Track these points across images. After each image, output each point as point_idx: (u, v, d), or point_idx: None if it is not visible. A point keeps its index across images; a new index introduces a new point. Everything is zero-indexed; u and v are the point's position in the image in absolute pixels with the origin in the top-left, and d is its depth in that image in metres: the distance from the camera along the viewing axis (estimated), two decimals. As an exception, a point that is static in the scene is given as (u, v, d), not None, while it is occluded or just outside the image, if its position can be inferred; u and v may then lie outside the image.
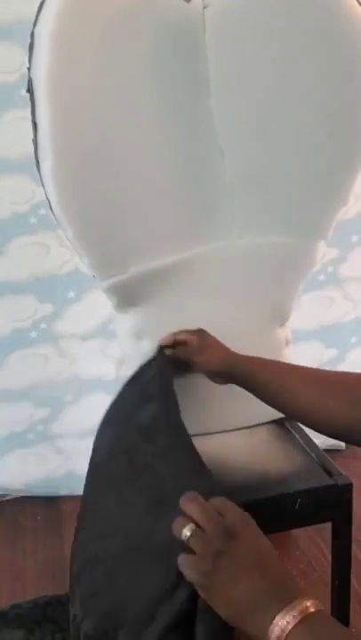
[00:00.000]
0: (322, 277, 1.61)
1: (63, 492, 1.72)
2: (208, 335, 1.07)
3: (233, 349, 1.08)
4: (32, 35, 1.03)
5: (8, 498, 1.74)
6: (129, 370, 1.27)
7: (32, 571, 1.52)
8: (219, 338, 1.17)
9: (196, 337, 1.06)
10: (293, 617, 0.53)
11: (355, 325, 1.70)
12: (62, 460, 1.70)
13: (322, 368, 1.68)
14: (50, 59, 1.02)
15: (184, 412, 1.00)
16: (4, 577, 1.50)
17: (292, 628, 0.53)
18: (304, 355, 1.65)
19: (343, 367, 1.72)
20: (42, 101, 1.04)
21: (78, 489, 1.74)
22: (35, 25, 1.02)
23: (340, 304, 1.67)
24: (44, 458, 1.69)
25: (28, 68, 1.04)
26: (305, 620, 0.53)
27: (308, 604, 0.54)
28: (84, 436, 1.66)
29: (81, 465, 1.69)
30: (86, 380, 1.62)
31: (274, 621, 0.54)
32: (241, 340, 1.23)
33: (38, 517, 1.69)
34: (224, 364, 1.02)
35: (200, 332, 1.07)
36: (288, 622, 0.53)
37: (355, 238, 1.60)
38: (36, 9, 1.03)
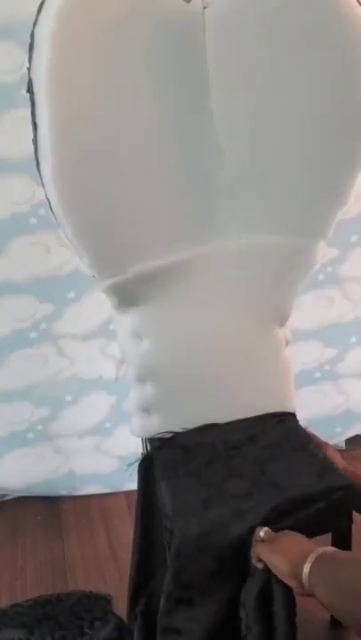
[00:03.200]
0: (321, 277, 1.61)
1: (63, 492, 1.72)
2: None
3: (232, 350, 1.08)
4: (32, 35, 1.03)
5: (8, 498, 1.75)
6: (129, 370, 1.28)
7: (32, 571, 1.52)
8: (219, 338, 1.17)
9: None
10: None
11: (354, 325, 1.70)
12: (62, 460, 1.70)
13: (322, 369, 1.69)
14: (50, 59, 1.02)
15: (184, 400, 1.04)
16: (4, 577, 1.50)
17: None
18: (304, 355, 1.66)
19: (343, 367, 1.73)
20: (42, 101, 1.04)
21: (78, 489, 1.76)
22: (35, 25, 1.03)
23: (340, 304, 1.67)
24: (44, 458, 1.69)
25: (28, 68, 1.04)
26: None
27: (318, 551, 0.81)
28: (84, 436, 1.67)
29: (80, 465, 1.70)
30: (86, 380, 1.62)
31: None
32: (241, 340, 1.23)
33: (38, 517, 1.69)
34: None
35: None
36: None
37: (355, 238, 1.60)
38: (35, 9, 1.03)
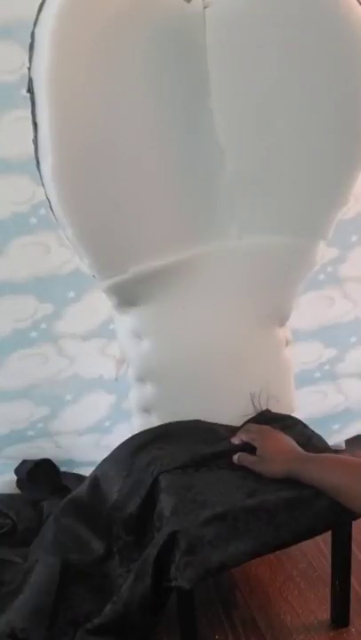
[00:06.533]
0: (322, 277, 1.60)
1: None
2: (269, 441, 1.10)
3: (232, 349, 1.08)
4: (32, 35, 1.03)
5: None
6: (129, 370, 1.28)
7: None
8: (219, 338, 1.17)
9: (258, 444, 1.09)
10: None
11: (354, 325, 1.70)
12: (62, 454, 1.70)
13: (321, 369, 1.69)
14: (50, 58, 1.02)
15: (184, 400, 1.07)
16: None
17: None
18: (304, 355, 1.65)
19: (343, 367, 1.72)
20: (42, 101, 1.04)
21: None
22: (35, 25, 1.03)
23: (340, 304, 1.67)
24: (44, 454, 1.69)
25: (29, 68, 1.04)
26: None
27: None
28: (84, 435, 1.67)
29: (79, 458, 1.70)
30: (86, 380, 1.62)
31: None
32: (241, 340, 1.23)
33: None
34: (283, 475, 1.04)
35: (263, 438, 1.10)
36: None
37: (355, 238, 1.59)
38: (36, 9, 1.03)
